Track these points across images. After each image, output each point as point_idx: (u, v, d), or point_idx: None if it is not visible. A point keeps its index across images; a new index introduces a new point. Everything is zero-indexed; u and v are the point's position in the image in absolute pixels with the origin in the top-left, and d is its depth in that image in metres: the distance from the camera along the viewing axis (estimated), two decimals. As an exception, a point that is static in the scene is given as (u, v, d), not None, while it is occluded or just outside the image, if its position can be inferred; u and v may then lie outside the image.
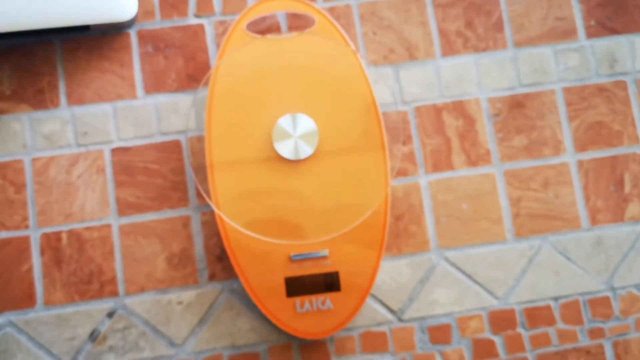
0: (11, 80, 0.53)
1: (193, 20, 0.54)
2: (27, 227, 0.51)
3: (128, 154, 0.52)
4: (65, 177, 0.52)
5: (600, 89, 0.55)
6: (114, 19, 0.49)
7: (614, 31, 0.56)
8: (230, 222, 0.48)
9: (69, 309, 0.50)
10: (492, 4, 0.56)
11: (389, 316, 0.51)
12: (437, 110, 0.54)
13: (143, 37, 0.54)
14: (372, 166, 0.49)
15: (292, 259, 0.48)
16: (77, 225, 0.51)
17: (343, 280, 0.48)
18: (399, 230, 0.52)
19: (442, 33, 0.55)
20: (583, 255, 0.53)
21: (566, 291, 0.52)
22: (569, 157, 0.54)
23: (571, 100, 0.55)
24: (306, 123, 0.48)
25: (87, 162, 0.52)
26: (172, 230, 0.51)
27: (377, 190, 0.49)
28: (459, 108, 0.54)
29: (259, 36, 0.51)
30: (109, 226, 0.51)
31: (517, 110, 0.54)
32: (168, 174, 0.52)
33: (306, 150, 0.48)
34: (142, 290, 0.51)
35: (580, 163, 0.54)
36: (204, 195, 0.49)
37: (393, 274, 0.52)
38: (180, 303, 0.51)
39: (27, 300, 0.50)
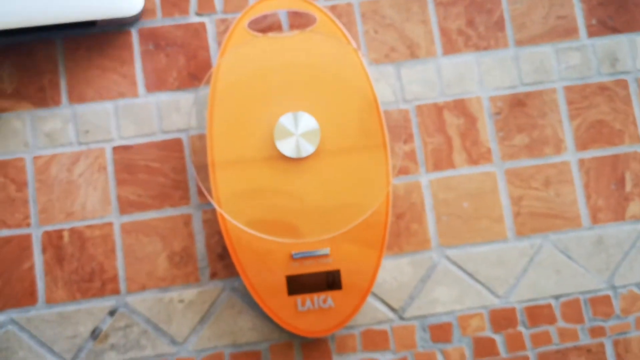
0: (12, 78, 0.53)
1: (194, 19, 0.54)
2: (28, 225, 0.51)
3: (129, 152, 0.52)
4: (66, 175, 0.52)
5: (602, 88, 0.55)
6: (121, 14, 0.49)
7: (615, 30, 0.56)
8: (232, 220, 0.48)
9: (70, 307, 0.50)
10: (493, 2, 0.56)
11: (390, 314, 0.51)
12: (438, 108, 0.54)
13: (144, 35, 0.54)
14: (373, 165, 0.49)
15: (293, 257, 0.48)
16: (78, 224, 0.51)
17: (344, 278, 0.49)
18: (400, 229, 0.52)
19: (444, 31, 0.55)
20: (584, 254, 0.53)
21: (567, 290, 0.52)
22: (570, 156, 0.54)
23: (572, 99, 0.55)
24: (308, 121, 0.48)
25: (89, 160, 0.52)
26: (173, 228, 0.52)
27: (378, 188, 0.49)
28: (460, 107, 0.54)
29: (260, 34, 0.51)
30: (110, 224, 0.51)
31: (518, 108, 0.54)
32: (169, 173, 0.52)
33: (308, 149, 0.48)
34: (143, 288, 0.51)
35: (582, 162, 0.54)
36: (206, 193, 0.49)
37: (394, 272, 0.52)
38: (181, 301, 0.51)
39: (28, 298, 0.50)
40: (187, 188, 0.52)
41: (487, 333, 0.51)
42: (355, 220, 0.48)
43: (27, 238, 0.51)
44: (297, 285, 0.48)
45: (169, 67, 0.54)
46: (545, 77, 0.55)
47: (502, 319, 0.52)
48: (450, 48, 0.55)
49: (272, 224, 0.48)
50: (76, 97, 0.53)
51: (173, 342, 0.50)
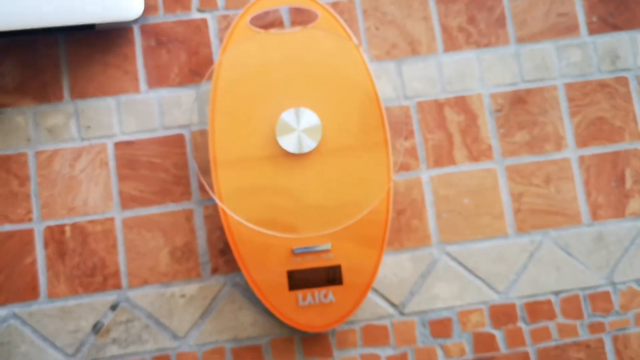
0: (15, 74, 0.53)
1: (196, 15, 0.55)
2: (30, 220, 0.51)
3: (131, 148, 0.53)
4: (68, 171, 0.52)
5: (602, 85, 0.55)
6: (120, 18, 0.49)
7: (616, 27, 0.56)
8: (234, 215, 0.48)
9: (72, 302, 0.51)
10: (494, -1, 0.56)
11: (391, 310, 0.52)
12: (439, 105, 0.54)
13: (146, 31, 0.54)
14: (375, 161, 0.49)
15: (294, 253, 0.49)
16: (80, 219, 0.52)
17: (345, 273, 0.49)
18: (401, 225, 0.52)
19: (445, 28, 0.55)
20: (584, 251, 0.53)
21: (567, 286, 0.52)
22: (571, 153, 0.54)
23: (573, 96, 0.55)
24: (309, 117, 0.49)
25: (91, 155, 0.52)
26: (175, 223, 0.52)
27: (379, 185, 0.49)
28: (461, 103, 0.54)
29: (262, 31, 0.51)
30: (112, 219, 0.52)
31: (519, 105, 0.54)
32: (171, 168, 0.52)
33: (309, 144, 0.49)
34: (145, 283, 0.51)
35: (582, 159, 0.54)
36: (207, 188, 0.49)
37: (395, 268, 0.52)
38: (183, 296, 0.51)
39: (30, 292, 0.51)
40: (189, 184, 0.52)
41: (487, 329, 0.52)
42: (356, 216, 0.48)
43: (30, 233, 0.51)
44: (298, 280, 0.49)
45: (171, 63, 0.54)
46: (546, 74, 0.55)
47: (502, 314, 0.52)
48: (451, 45, 0.55)
49: (274, 219, 0.48)
50: (78, 92, 0.53)
51: (174, 336, 0.51)
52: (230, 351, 0.51)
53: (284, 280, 0.49)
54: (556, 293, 0.52)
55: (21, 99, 0.53)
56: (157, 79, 0.53)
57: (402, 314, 0.52)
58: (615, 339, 0.52)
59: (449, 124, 0.54)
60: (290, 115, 0.49)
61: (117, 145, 0.53)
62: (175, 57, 0.54)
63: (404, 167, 0.53)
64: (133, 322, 0.51)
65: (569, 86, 0.55)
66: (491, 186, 0.53)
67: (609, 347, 0.52)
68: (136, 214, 0.52)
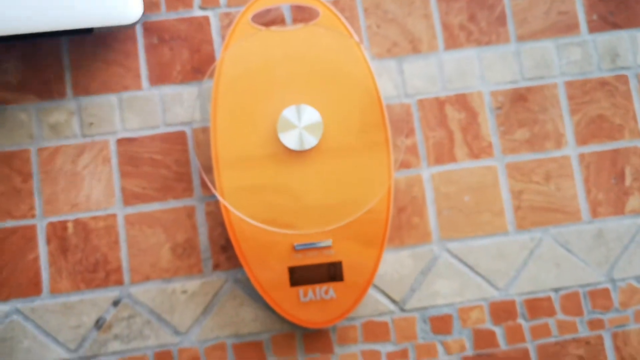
0: (17, 70, 0.53)
1: (198, 12, 0.55)
2: (33, 216, 0.52)
3: (133, 145, 0.53)
4: (71, 167, 0.52)
5: (602, 83, 0.55)
6: (118, 22, 0.49)
7: (616, 26, 0.56)
8: (235, 212, 0.48)
9: (74, 297, 0.51)
10: (495, -2, 0.56)
11: (391, 306, 0.52)
12: (440, 103, 0.54)
13: (148, 28, 0.54)
14: (375, 158, 0.50)
15: (295, 249, 0.49)
16: (82, 215, 0.52)
17: (346, 270, 0.49)
18: (402, 222, 0.53)
19: (446, 26, 0.55)
20: (584, 248, 0.53)
21: (566, 283, 0.52)
22: (571, 151, 0.54)
23: (573, 94, 0.55)
24: (310, 114, 0.49)
25: (93, 152, 0.53)
26: (176, 220, 0.52)
27: (379, 182, 0.49)
28: (462, 101, 0.54)
29: (263, 28, 0.52)
30: (114, 216, 0.52)
31: (519, 103, 0.55)
32: (173, 165, 0.53)
33: (310, 141, 0.49)
34: (147, 279, 0.51)
35: (582, 156, 0.54)
36: (209, 185, 0.49)
37: (395, 265, 0.52)
38: (184, 292, 0.51)
39: (33, 288, 0.51)
40: (191, 180, 0.53)
41: (487, 325, 0.52)
42: (357, 213, 0.48)
43: (32, 229, 0.52)
44: (299, 276, 0.49)
45: (173, 61, 0.54)
46: (546, 72, 0.55)
47: (502, 311, 0.52)
48: (452, 43, 0.55)
49: (275, 216, 0.49)
50: (81, 89, 0.53)
51: (176, 332, 0.51)
52: (232, 347, 0.51)
53: (285, 277, 0.49)
54: (556, 290, 0.52)
55: (24, 95, 0.53)
56: (159, 76, 0.54)
57: (402, 310, 0.52)
58: (614, 336, 0.52)
59: (450, 122, 0.54)
60: (291, 112, 0.49)
61: (120, 142, 0.53)
62: (178, 54, 0.54)
63: (404, 165, 0.54)
64: (135, 317, 0.51)
65: (569, 84, 0.55)
66: (491, 183, 0.54)
67: (608, 343, 0.52)
68: (138, 211, 0.52)
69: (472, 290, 0.52)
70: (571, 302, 0.52)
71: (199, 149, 0.52)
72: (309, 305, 0.49)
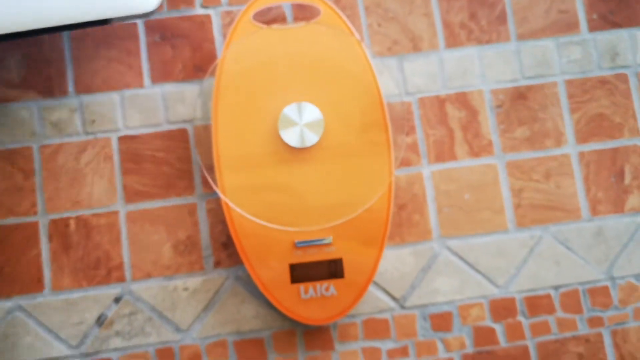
0: (20, 68, 0.54)
1: (200, 11, 0.55)
2: (35, 213, 0.52)
3: (135, 142, 0.53)
4: (73, 165, 0.53)
5: (602, 82, 0.56)
6: (137, 11, 0.48)
7: (616, 25, 0.56)
8: (237, 209, 0.49)
9: (76, 294, 0.51)
10: (495, -4, 0.56)
11: (392, 304, 0.52)
12: (440, 101, 0.55)
13: (150, 26, 0.55)
14: (376, 156, 0.50)
15: (296, 246, 0.49)
16: (84, 212, 0.52)
17: (346, 267, 0.49)
18: (402, 220, 0.53)
19: (446, 25, 0.56)
20: (583, 246, 0.53)
21: (566, 280, 0.53)
22: (571, 149, 0.55)
23: (573, 93, 0.55)
24: (312, 112, 0.49)
25: (95, 149, 0.53)
26: (178, 217, 0.52)
27: (380, 179, 0.50)
28: (462, 99, 0.55)
29: (265, 26, 0.52)
30: (116, 213, 0.52)
31: (519, 102, 0.55)
32: (174, 162, 0.53)
33: (311, 139, 0.49)
34: (148, 276, 0.52)
35: (582, 155, 0.55)
36: (211, 182, 0.49)
37: (396, 262, 0.52)
38: (186, 289, 0.51)
39: (35, 285, 0.51)
40: (192, 178, 0.53)
41: (487, 322, 0.52)
42: (358, 210, 0.49)
43: (34, 226, 0.52)
44: (300, 273, 0.49)
45: (175, 59, 0.54)
46: (547, 70, 0.55)
47: (501, 308, 0.52)
48: (452, 41, 0.55)
49: (276, 213, 0.49)
50: (83, 87, 0.54)
51: (177, 329, 0.51)
52: (233, 344, 0.51)
53: (286, 274, 0.49)
54: (556, 287, 0.53)
55: (26, 93, 0.53)
56: (161, 74, 0.54)
57: (403, 307, 0.52)
58: (614, 334, 0.52)
59: (450, 120, 0.54)
60: (292, 110, 0.49)
61: (121, 139, 0.53)
62: (179, 52, 0.54)
63: (405, 162, 0.54)
64: (136, 314, 0.51)
65: (569, 83, 0.55)
66: (492, 181, 0.54)
67: (607, 341, 0.52)
68: (140, 208, 0.52)
69: (472, 288, 0.52)
70: (571, 300, 0.52)
71: (201, 146, 0.52)
72: (309, 302, 0.49)
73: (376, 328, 0.52)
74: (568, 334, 0.52)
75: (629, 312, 0.52)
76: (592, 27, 0.56)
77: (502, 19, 0.56)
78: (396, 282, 0.52)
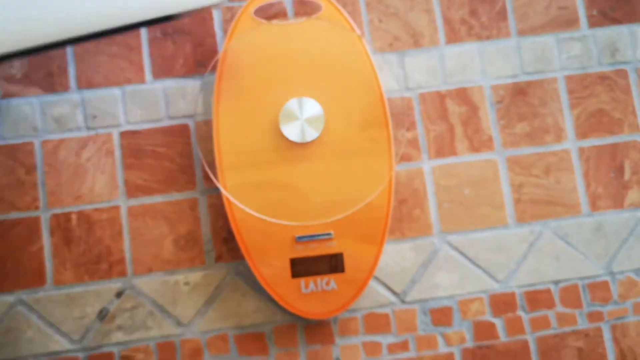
0: (22, 63, 0.54)
1: (201, 6, 0.55)
2: (37, 208, 0.52)
3: (136, 137, 0.53)
4: (74, 160, 0.53)
5: (602, 78, 0.56)
6: (207, 3, 0.46)
7: (615, 21, 0.57)
8: (238, 203, 0.49)
9: (78, 289, 0.51)
10: (496, -8, 0.56)
11: (392, 298, 0.52)
12: (440, 97, 0.55)
13: (152, 22, 0.55)
14: (377, 151, 0.50)
15: (297, 241, 0.49)
16: (86, 207, 0.52)
17: (347, 261, 0.49)
18: (402, 215, 0.53)
19: (447, 21, 0.56)
20: (583, 241, 0.53)
21: (566, 275, 0.53)
22: (570, 144, 0.55)
23: (573, 89, 0.55)
24: (312, 107, 0.49)
25: (97, 145, 0.53)
26: (179, 212, 0.52)
27: (381, 174, 0.50)
28: (463, 95, 0.55)
29: (265, 22, 0.52)
30: (117, 208, 0.52)
31: (519, 97, 0.55)
32: (176, 157, 0.53)
33: (312, 134, 0.49)
34: (149, 270, 0.52)
35: (581, 150, 0.55)
36: (212, 177, 0.50)
37: (396, 257, 0.53)
38: (187, 284, 0.52)
39: (37, 279, 0.51)
40: (193, 173, 0.53)
41: (487, 317, 0.52)
42: (358, 205, 0.49)
43: (36, 220, 0.52)
44: (301, 268, 0.49)
45: (176, 54, 0.54)
46: (547, 66, 0.56)
47: (501, 303, 0.52)
48: (453, 37, 0.56)
49: (277, 208, 0.49)
50: (84, 82, 0.54)
51: (178, 323, 0.51)
52: (234, 338, 0.51)
53: (286, 268, 0.49)
54: (555, 282, 0.53)
55: (28, 88, 0.53)
56: (163, 70, 0.54)
57: (403, 302, 0.52)
58: (613, 328, 0.52)
59: (451, 115, 0.55)
60: (293, 105, 0.49)
61: (123, 134, 0.53)
62: (181, 48, 0.54)
63: (405, 158, 0.54)
64: (138, 309, 0.51)
65: (569, 78, 0.56)
66: (492, 177, 0.54)
67: (607, 335, 0.52)
68: (141, 203, 0.52)
69: (472, 283, 0.52)
70: (570, 295, 0.53)
71: (202, 141, 0.52)
72: (310, 296, 0.49)
73: (377, 322, 0.52)
74: (568, 329, 0.52)
75: (628, 307, 0.53)
76: (592, 23, 0.56)
77: (502, 15, 0.56)
78: (396, 277, 0.52)
